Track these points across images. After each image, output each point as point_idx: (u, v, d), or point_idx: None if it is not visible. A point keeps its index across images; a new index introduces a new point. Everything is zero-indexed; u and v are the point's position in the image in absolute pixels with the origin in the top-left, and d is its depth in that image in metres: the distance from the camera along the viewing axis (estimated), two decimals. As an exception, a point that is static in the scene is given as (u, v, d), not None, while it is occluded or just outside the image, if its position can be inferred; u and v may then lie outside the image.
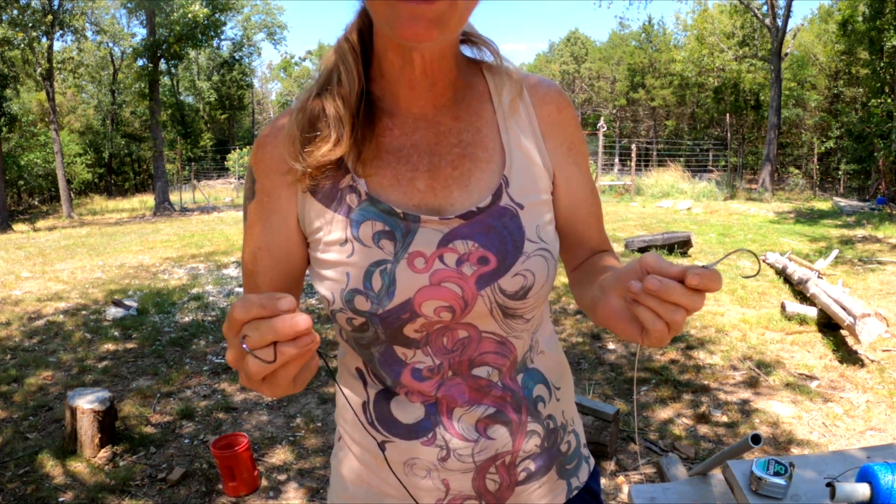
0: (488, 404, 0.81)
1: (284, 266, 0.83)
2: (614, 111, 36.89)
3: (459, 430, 0.80)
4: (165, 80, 31.63)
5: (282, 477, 2.87)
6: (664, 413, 3.37)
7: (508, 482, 0.84)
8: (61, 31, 18.47)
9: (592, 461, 0.98)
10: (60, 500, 2.70)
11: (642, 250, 7.60)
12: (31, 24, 16.67)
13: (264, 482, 2.82)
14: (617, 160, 26.07)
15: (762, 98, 26.29)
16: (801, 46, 26.63)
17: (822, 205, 15.18)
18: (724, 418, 3.30)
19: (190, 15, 16.86)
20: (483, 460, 0.81)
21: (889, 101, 17.13)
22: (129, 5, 19.65)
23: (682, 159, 24.16)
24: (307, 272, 0.86)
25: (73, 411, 2.99)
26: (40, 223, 17.23)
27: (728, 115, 27.83)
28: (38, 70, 18.06)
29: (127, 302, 5.71)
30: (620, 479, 2.77)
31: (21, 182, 25.90)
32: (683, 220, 11.53)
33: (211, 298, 6.01)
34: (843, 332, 4.31)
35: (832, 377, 3.78)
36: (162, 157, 18.50)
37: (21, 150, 25.26)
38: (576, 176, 0.85)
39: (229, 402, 3.67)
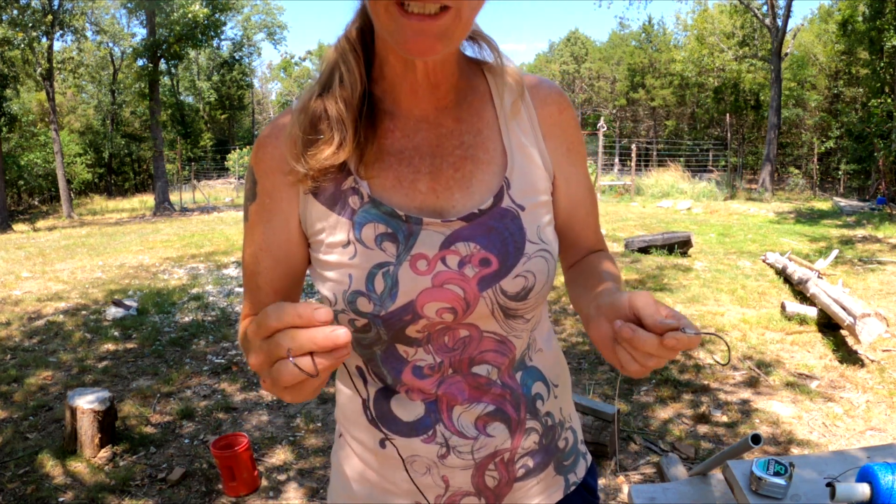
0: (488, 402, 0.81)
1: (285, 267, 0.83)
2: (614, 111, 36.89)
3: (459, 428, 0.81)
4: (165, 80, 31.64)
5: (282, 477, 2.87)
6: (664, 413, 3.37)
7: (507, 478, 0.84)
8: (61, 31, 18.47)
9: (589, 457, 0.99)
10: (60, 500, 2.70)
11: (642, 250, 7.60)
12: (31, 24, 16.67)
13: (264, 482, 2.82)
14: (617, 160, 26.08)
15: (762, 98, 26.29)
16: (801, 46, 26.63)
17: (822, 205, 15.18)
18: (724, 418, 3.30)
19: (190, 15, 16.86)
20: (482, 457, 0.82)
21: (889, 101, 17.13)
22: (129, 5, 19.65)
23: (682, 159, 24.16)
24: (307, 272, 0.87)
25: (73, 411, 2.99)
26: (40, 223, 17.23)
27: (728, 115, 27.83)
28: (38, 70, 18.06)
29: (127, 302, 5.71)
30: (620, 479, 2.77)
31: (21, 182, 25.90)
32: (683, 220, 11.53)
33: (211, 298, 6.01)
34: (843, 332, 4.31)
35: (832, 377, 3.78)
36: (162, 157, 18.50)
37: (21, 150, 25.26)
38: (575, 176, 0.86)
39: (229, 402, 3.67)
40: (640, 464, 2.89)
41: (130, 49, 23.03)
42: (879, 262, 7.01)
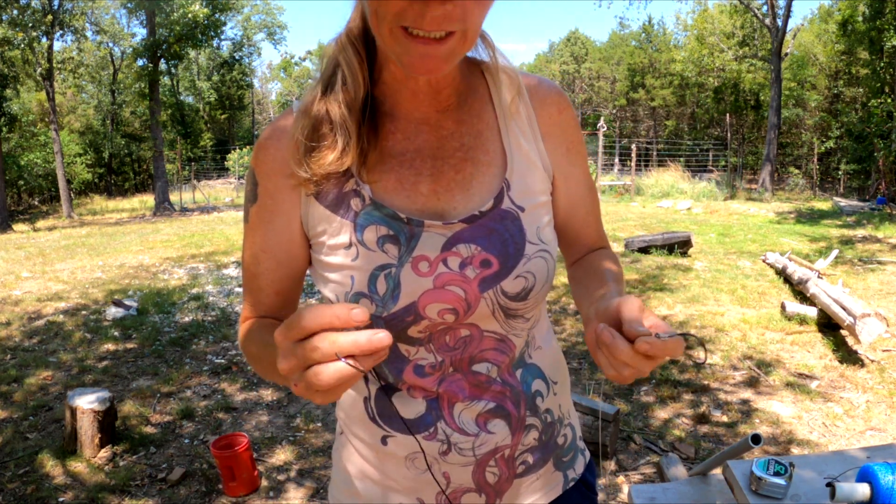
0: (488, 399, 0.82)
1: (287, 268, 0.83)
2: (614, 111, 36.89)
3: (460, 425, 0.81)
4: (165, 80, 31.64)
5: (282, 477, 2.87)
6: (664, 413, 3.37)
7: (507, 475, 0.85)
8: (61, 31, 18.47)
9: (588, 453, 1.00)
10: (60, 500, 2.70)
11: (642, 250, 7.60)
12: (31, 24, 16.67)
13: (264, 482, 2.82)
14: (617, 160, 26.07)
15: (762, 98, 26.29)
16: (801, 46, 26.63)
17: (822, 205, 15.18)
18: (724, 418, 3.30)
19: (190, 15, 16.85)
20: (483, 454, 0.83)
21: (889, 101, 17.12)
22: (129, 5, 19.65)
23: (682, 159, 24.17)
24: (308, 272, 0.87)
25: (73, 411, 2.99)
26: (40, 223, 17.23)
27: (728, 115, 27.83)
28: (38, 70, 18.06)
29: (127, 302, 5.71)
30: (620, 479, 2.77)
31: (21, 182, 25.90)
32: (683, 220, 11.54)
33: (211, 298, 6.01)
34: (843, 332, 4.31)
35: (832, 377, 3.78)
36: (162, 157, 18.50)
37: (21, 150, 25.26)
38: (574, 176, 0.87)
39: (229, 402, 3.67)
40: (640, 464, 2.89)
41: (130, 49, 23.03)
42: (879, 262, 7.01)
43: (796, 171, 24.28)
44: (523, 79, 0.84)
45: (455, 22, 0.62)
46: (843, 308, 4.09)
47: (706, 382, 3.75)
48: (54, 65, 19.25)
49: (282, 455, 3.06)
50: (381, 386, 0.84)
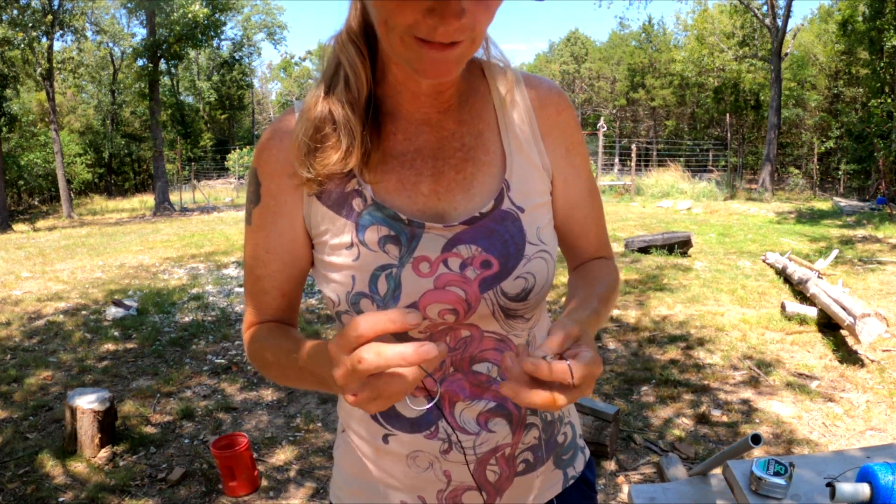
0: (489, 398, 0.82)
1: (292, 269, 0.83)
2: (614, 111, 36.89)
3: (461, 424, 0.82)
4: (165, 80, 31.63)
5: (282, 477, 2.87)
6: (664, 413, 3.37)
7: (508, 473, 0.85)
8: (61, 31, 18.47)
9: (588, 451, 1.00)
10: (60, 500, 2.70)
11: (642, 250, 7.60)
12: (31, 24, 16.67)
13: (264, 482, 2.82)
14: (617, 160, 26.07)
15: (762, 98, 26.29)
16: (801, 46, 26.63)
17: (823, 205, 15.18)
18: (724, 418, 3.30)
19: (190, 15, 16.85)
20: (484, 452, 0.83)
21: (889, 101, 17.12)
22: (129, 5, 19.66)
23: (682, 159, 24.16)
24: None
25: (73, 411, 2.99)
26: (40, 223, 17.23)
27: (728, 115, 27.83)
28: (38, 70, 18.06)
29: (127, 302, 5.71)
30: (620, 479, 2.77)
31: (21, 182, 25.90)
32: (683, 220, 11.54)
33: (211, 298, 6.01)
34: (843, 332, 4.31)
35: (832, 377, 3.78)
36: (162, 157, 18.51)
37: (21, 150, 25.26)
38: (573, 178, 0.86)
39: (229, 402, 3.67)
40: (640, 464, 2.89)
41: (130, 49, 23.03)
42: (879, 262, 7.01)
43: (796, 171, 24.28)
44: (524, 79, 0.84)
45: (466, 32, 0.63)
46: (843, 308, 4.09)
47: (706, 382, 3.75)
48: (54, 65, 19.25)
49: (282, 455, 3.06)
50: None
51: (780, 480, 1.32)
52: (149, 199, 21.36)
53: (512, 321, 0.81)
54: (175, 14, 17.21)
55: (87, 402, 3.01)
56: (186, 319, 5.34)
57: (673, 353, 4.25)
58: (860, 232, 9.77)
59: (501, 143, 0.81)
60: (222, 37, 26.15)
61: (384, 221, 0.76)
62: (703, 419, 3.28)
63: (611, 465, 2.87)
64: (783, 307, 4.90)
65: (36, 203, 28.12)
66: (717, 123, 31.20)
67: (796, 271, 5.59)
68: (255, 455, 2.95)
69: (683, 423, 3.27)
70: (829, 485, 1.24)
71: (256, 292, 0.85)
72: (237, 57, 37.35)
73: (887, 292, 5.65)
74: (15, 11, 16.43)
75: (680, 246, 7.47)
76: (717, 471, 1.57)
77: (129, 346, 4.72)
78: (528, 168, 0.81)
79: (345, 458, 0.92)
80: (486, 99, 0.82)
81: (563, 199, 0.86)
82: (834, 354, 4.11)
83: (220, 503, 2.68)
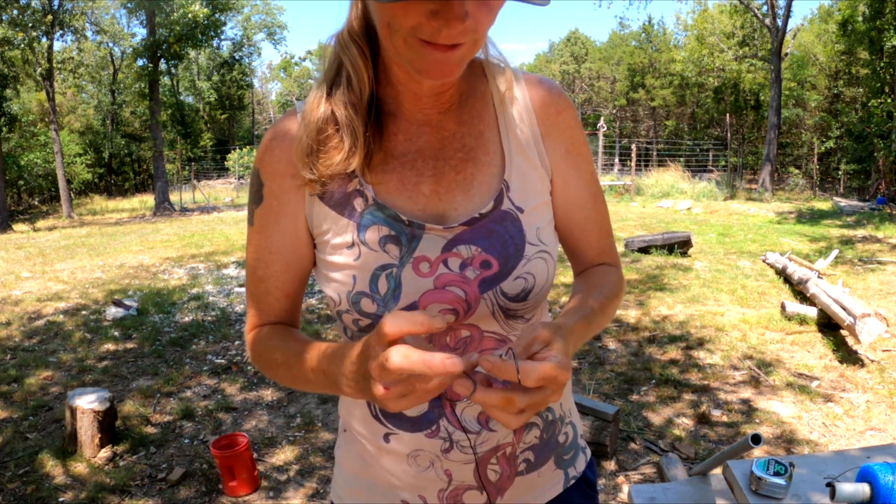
0: None
1: (297, 269, 0.84)
2: (614, 111, 36.88)
3: (462, 423, 0.82)
4: (165, 80, 31.63)
5: (282, 477, 2.87)
6: (664, 413, 3.37)
7: (509, 472, 0.85)
8: (61, 31, 18.47)
9: (589, 451, 1.00)
10: (60, 500, 2.70)
11: (642, 250, 7.60)
12: (31, 24, 16.66)
13: (264, 482, 2.82)
14: (617, 160, 26.07)
15: (762, 98, 26.28)
16: (801, 46, 26.62)
17: (823, 205, 15.18)
18: (725, 418, 3.30)
19: (190, 15, 16.85)
20: (485, 451, 0.83)
21: (889, 101, 17.12)
22: (129, 5, 19.67)
23: (682, 159, 24.16)
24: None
25: (73, 411, 2.99)
26: (40, 223, 17.23)
27: (728, 115, 27.83)
28: (38, 70, 18.05)
29: (127, 302, 5.71)
30: (620, 478, 2.77)
31: (21, 182, 25.90)
32: (683, 220, 11.54)
33: (211, 298, 6.01)
34: (843, 332, 4.31)
35: (832, 377, 3.78)
36: (162, 157, 18.51)
37: (21, 150, 25.26)
38: (574, 179, 0.86)
39: (229, 402, 3.67)
40: (640, 464, 2.89)
41: (130, 49, 23.05)
42: (879, 262, 7.01)
43: (796, 171, 24.27)
44: (525, 78, 0.84)
45: (469, 34, 0.63)
46: (843, 308, 4.09)
47: (706, 382, 3.75)
48: (54, 65, 19.25)
49: (282, 455, 3.06)
50: None
51: (780, 480, 1.32)
52: (149, 199, 21.36)
53: (512, 321, 0.81)
54: (175, 14, 17.21)
55: (87, 402, 3.01)
56: (186, 319, 5.34)
57: (673, 353, 4.25)
58: (860, 232, 9.77)
59: (501, 144, 0.81)
60: (222, 37, 26.17)
61: (385, 221, 0.76)
62: (703, 419, 3.28)
63: (611, 465, 2.87)
64: (783, 307, 4.90)
65: (36, 203, 28.12)
66: (717, 123, 31.19)
67: (796, 271, 5.59)
68: (255, 455, 2.95)
69: (683, 423, 3.27)
70: (829, 485, 1.24)
71: (260, 294, 0.85)
72: (237, 57, 37.35)
73: (887, 292, 5.65)
74: (15, 11, 16.43)
75: (680, 246, 7.47)
76: (717, 471, 1.57)
77: (129, 346, 4.72)
78: (527, 168, 0.81)
79: (346, 458, 0.92)
80: (487, 99, 0.82)
81: (562, 200, 0.86)
82: (834, 354, 4.11)
83: (220, 503, 2.68)
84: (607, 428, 2.86)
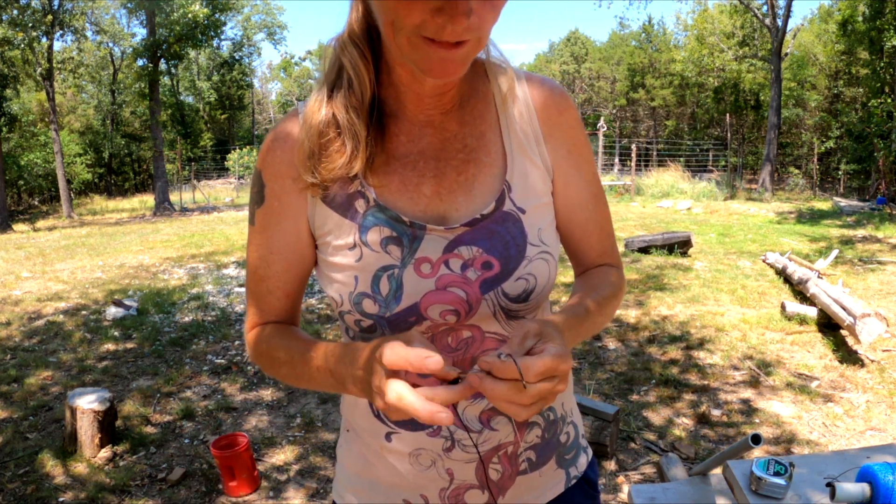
0: None
1: (298, 269, 0.84)
2: (614, 111, 36.88)
3: (464, 422, 0.82)
4: (165, 80, 31.62)
5: (282, 477, 2.87)
6: (664, 413, 3.38)
7: (510, 472, 0.85)
8: (61, 31, 18.47)
9: (590, 451, 1.00)
10: (60, 500, 2.70)
11: (642, 250, 7.60)
12: (31, 24, 16.66)
13: (264, 482, 2.82)
14: (617, 160, 26.07)
15: (762, 98, 26.28)
16: (801, 46, 26.62)
17: (823, 205, 15.18)
18: (725, 418, 3.30)
19: (190, 15, 16.85)
20: (486, 451, 0.83)
21: (889, 101, 17.12)
22: (129, 5, 19.66)
23: (682, 159, 24.16)
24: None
25: (73, 411, 2.99)
26: (40, 223, 17.23)
27: (728, 115, 27.82)
28: (38, 70, 18.05)
29: (127, 302, 5.71)
30: (620, 478, 2.77)
31: (21, 182, 25.89)
32: (683, 220, 11.54)
33: (211, 298, 6.01)
34: (843, 332, 4.31)
35: (832, 377, 3.78)
36: (162, 157, 18.51)
37: (21, 150, 25.26)
38: (575, 180, 0.85)
39: (229, 402, 3.67)
40: (640, 464, 2.89)
41: (130, 49, 23.05)
42: (879, 262, 7.01)
43: (796, 171, 24.27)
44: (526, 78, 0.84)
45: (473, 31, 0.63)
46: (843, 308, 4.09)
47: (706, 382, 3.76)
48: (54, 65, 19.25)
49: (282, 455, 3.06)
50: None
51: (780, 480, 1.32)
52: (149, 199, 21.36)
53: (513, 322, 0.81)
54: (175, 14, 17.21)
55: (87, 402, 3.01)
56: (186, 319, 5.34)
57: (673, 353, 4.25)
58: (860, 232, 9.77)
59: (503, 144, 0.81)
60: (222, 37, 26.17)
61: (386, 223, 0.76)
62: (703, 419, 3.28)
63: (611, 465, 2.87)
64: (783, 307, 4.90)
65: (36, 203, 28.12)
66: (717, 123, 31.19)
67: (796, 271, 5.59)
68: (255, 455, 2.95)
69: (683, 423, 3.27)
70: (829, 485, 1.24)
71: (260, 293, 0.86)
72: (237, 57, 37.35)
73: (887, 292, 5.65)
74: (15, 11, 16.43)
75: (680, 246, 7.47)
76: (717, 471, 1.57)
77: (129, 346, 4.72)
78: (529, 169, 0.81)
79: (348, 457, 0.92)
80: (488, 99, 0.82)
81: (563, 201, 0.86)
82: (834, 354, 4.11)
83: (220, 503, 2.68)
84: (607, 428, 2.86)
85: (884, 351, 4.11)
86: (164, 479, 2.84)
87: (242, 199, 20.67)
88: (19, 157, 24.25)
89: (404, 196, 0.77)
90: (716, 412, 3.36)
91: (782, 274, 6.06)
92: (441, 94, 0.78)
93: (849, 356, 4.03)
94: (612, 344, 4.48)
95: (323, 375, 0.73)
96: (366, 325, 0.78)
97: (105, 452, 3.03)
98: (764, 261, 6.87)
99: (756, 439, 1.31)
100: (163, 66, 21.90)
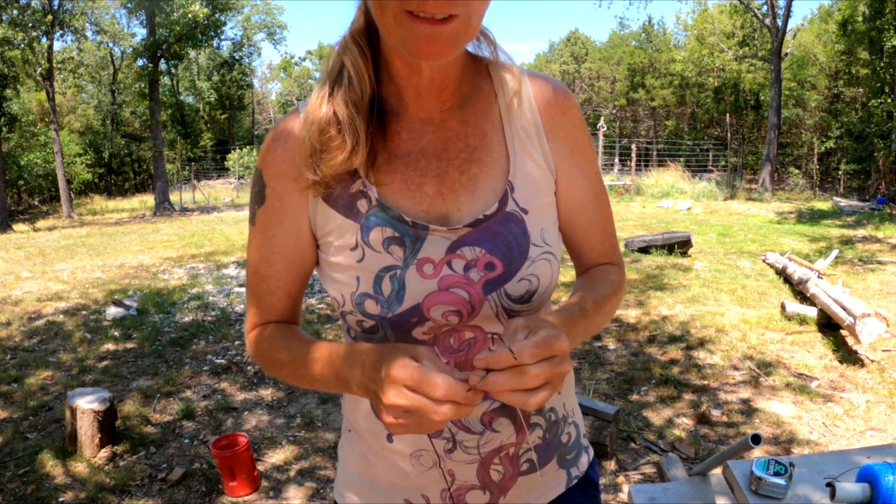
0: (493, 398, 0.82)
1: (299, 269, 0.84)
2: (614, 111, 36.88)
3: (466, 423, 0.82)
4: (165, 80, 31.62)
5: (282, 477, 2.87)
6: (664, 413, 3.37)
7: (512, 472, 0.85)
8: (61, 31, 18.47)
9: (591, 451, 1.00)
10: (60, 500, 2.70)
11: (642, 250, 7.60)
12: (31, 24, 16.67)
13: (264, 482, 2.82)
14: (617, 160, 26.06)
15: (762, 98, 26.28)
16: (801, 46, 26.62)
17: (823, 205, 15.18)
18: (725, 418, 3.30)
19: (190, 15, 16.85)
20: (488, 451, 0.83)
21: (889, 101, 17.12)
22: (129, 5, 19.66)
23: (682, 159, 24.16)
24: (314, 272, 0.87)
25: (73, 411, 2.99)
26: (40, 223, 17.23)
27: (728, 115, 27.82)
28: (38, 70, 18.06)
29: (127, 302, 5.71)
30: (620, 478, 2.77)
31: (21, 182, 25.89)
32: (683, 220, 11.54)
33: (211, 298, 6.01)
34: (843, 332, 4.31)
35: (832, 377, 3.78)
36: (162, 157, 18.51)
37: (21, 150, 25.25)
38: (578, 180, 0.85)
39: (229, 402, 3.67)
40: (640, 464, 2.89)
41: (130, 49, 23.05)
42: (879, 262, 7.01)
43: (796, 171, 24.27)
44: (529, 77, 0.84)
45: (458, 5, 0.63)
46: (843, 308, 4.09)
47: (706, 382, 3.75)
48: (54, 65, 19.25)
49: (282, 455, 3.06)
50: None
51: (780, 480, 1.32)
52: (149, 199, 21.36)
53: None
54: (175, 14, 17.21)
55: (87, 402, 3.00)
56: (186, 319, 5.34)
57: (673, 353, 4.25)
58: (860, 232, 9.77)
59: (505, 144, 0.80)
60: (222, 37, 26.17)
61: (389, 223, 0.76)
62: (703, 419, 3.28)
63: (611, 465, 2.87)
64: (783, 307, 4.90)
65: (36, 203, 28.12)
66: (717, 123, 31.19)
67: (796, 271, 5.59)
68: (255, 455, 2.95)
69: (683, 423, 3.27)
70: (829, 485, 1.24)
71: (261, 293, 0.85)
72: (237, 57, 37.35)
73: (887, 292, 5.65)
74: (15, 11, 16.43)
75: (680, 246, 7.47)
76: (717, 471, 1.57)
77: (129, 346, 4.71)
78: (532, 169, 0.81)
79: (349, 457, 0.92)
80: (491, 99, 0.82)
81: (565, 201, 0.85)
82: (834, 354, 4.11)
83: (220, 503, 2.68)
84: (607, 428, 2.86)
85: (884, 351, 4.11)
86: (164, 479, 2.84)
87: (242, 199, 20.67)
88: (19, 157, 24.25)
89: (406, 196, 0.77)
90: (716, 412, 3.36)
91: (782, 274, 6.06)
92: (440, 88, 0.78)
93: (849, 356, 4.03)
94: (612, 344, 4.48)
95: (326, 376, 0.73)
96: (368, 325, 0.78)
97: (105, 452, 3.03)
98: (764, 261, 6.87)
99: (756, 439, 1.31)
100: (163, 66, 21.91)
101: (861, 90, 23.35)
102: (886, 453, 1.49)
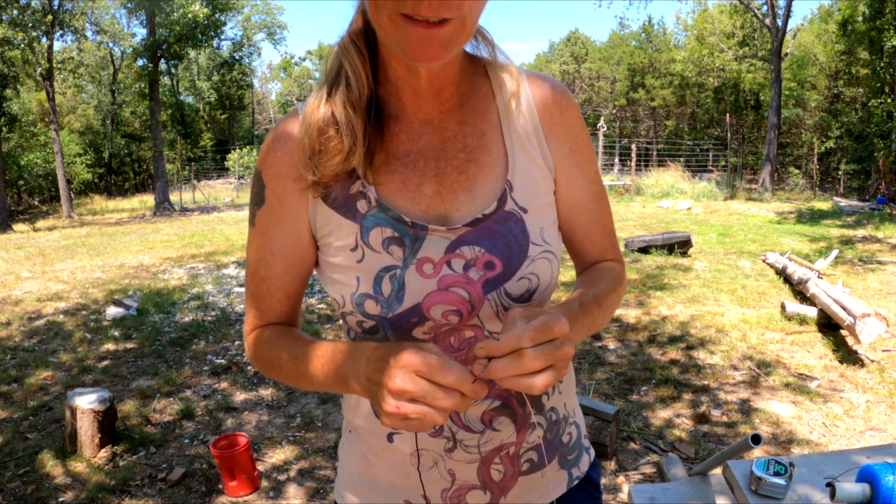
0: (494, 397, 0.82)
1: (298, 270, 0.84)
2: (614, 111, 36.88)
3: (466, 422, 0.82)
4: (165, 80, 31.62)
5: (282, 477, 2.87)
6: (664, 413, 3.37)
7: (512, 472, 0.85)
8: (61, 31, 18.47)
9: (592, 451, 1.00)
10: (60, 500, 2.70)
11: (642, 250, 7.61)
12: (31, 24, 16.67)
13: (264, 482, 2.82)
14: (617, 160, 26.06)
15: (762, 98, 26.28)
16: (801, 46, 26.62)
17: (823, 205, 15.18)
18: (724, 418, 3.30)
19: (190, 15, 16.85)
20: (488, 451, 0.83)
21: (889, 101, 17.12)
22: (129, 5, 19.67)
23: (682, 159, 24.16)
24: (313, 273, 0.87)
25: (73, 411, 2.99)
26: (40, 223, 17.23)
27: (728, 115, 27.82)
28: (38, 70, 18.05)
29: (127, 302, 5.71)
30: (620, 478, 2.77)
31: (21, 182, 25.89)
32: (683, 220, 11.54)
33: (211, 298, 6.01)
34: (843, 332, 4.31)
35: (832, 377, 3.78)
36: (162, 157, 18.51)
37: (21, 150, 25.25)
38: (578, 179, 0.85)
39: (229, 402, 3.67)
40: (640, 464, 2.89)
41: (130, 49, 23.05)
42: (879, 262, 7.01)
43: (796, 171, 24.27)
44: (528, 77, 0.84)
45: (453, 9, 0.63)
46: (843, 308, 4.09)
47: (706, 382, 3.75)
48: (54, 65, 19.25)
49: (282, 455, 3.06)
50: None
51: (780, 480, 1.32)
52: (149, 199, 21.36)
53: None
54: (175, 14, 17.21)
55: (87, 402, 3.00)
56: (186, 319, 5.34)
57: (673, 353, 4.25)
58: (860, 232, 9.77)
59: (504, 144, 0.81)
60: (222, 37, 26.18)
61: (388, 223, 0.76)
62: (702, 419, 3.28)
63: (611, 465, 2.87)
64: (783, 307, 4.90)
65: (36, 203, 28.12)
66: (717, 123, 31.19)
67: (796, 271, 5.59)
68: (255, 455, 2.95)
69: (683, 423, 3.27)
70: (829, 485, 1.24)
71: (261, 294, 0.85)
72: (237, 57, 37.35)
73: (887, 292, 5.65)
74: (15, 11, 16.43)
75: (680, 246, 7.47)
76: (717, 471, 1.57)
77: (129, 346, 4.71)
78: (531, 168, 0.81)
79: (350, 457, 0.92)
80: (489, 99, 0.82)
81: (565, 200, 0.85)
82: (834, 354, 4.11)
83: (219, 503, 2.68)
84: (607, 428, 2.86)
85: (884, 351, 4.11)
86: (164, 479, 2.84)
87: (242, 199, 20.68)
88: (19, 157, 24.25)
89: (405, 196, 0.78)
90: (715, 412, 3.36)
91: (782, 274, 6.06)
92: (438, 90, 0.78)
93: (849, 356, 4.03)
94: (612, 344, 4.48)
95: (327, 373, 0.73)
96: (368, 325, 0.78)
97: (105, 452, 3.03)
98: (764, 261, 6.87)
99: (756, 439, 1.31)
100: (163, 66, 21.91)
101: (861, 90, 23.36)
102: (886, 453, 1.49)
